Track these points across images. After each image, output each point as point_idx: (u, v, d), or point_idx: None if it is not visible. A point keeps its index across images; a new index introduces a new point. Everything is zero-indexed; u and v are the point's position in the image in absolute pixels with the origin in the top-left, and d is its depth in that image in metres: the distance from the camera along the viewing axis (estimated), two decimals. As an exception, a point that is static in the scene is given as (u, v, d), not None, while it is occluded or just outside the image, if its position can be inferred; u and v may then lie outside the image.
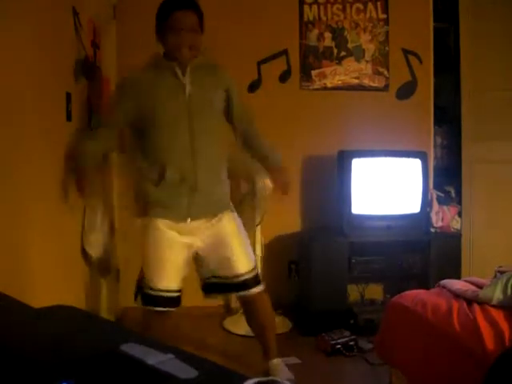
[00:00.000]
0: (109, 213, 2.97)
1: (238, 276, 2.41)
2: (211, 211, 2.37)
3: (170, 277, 2.32)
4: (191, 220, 2.32)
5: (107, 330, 1.06)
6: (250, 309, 2.57)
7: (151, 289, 2.32)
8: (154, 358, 0.77)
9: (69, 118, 2.43)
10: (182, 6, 2.23)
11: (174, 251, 2.32)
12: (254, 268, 2.47)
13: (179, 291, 2.36)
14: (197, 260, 2.45)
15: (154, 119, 2.27)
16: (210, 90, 2.33)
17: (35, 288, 1.99)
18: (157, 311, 2.34)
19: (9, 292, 1.22)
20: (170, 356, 0.79)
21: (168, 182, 2.28)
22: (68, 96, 2.41)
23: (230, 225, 2.42)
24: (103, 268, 2.87)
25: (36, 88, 2.04)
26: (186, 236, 2.34)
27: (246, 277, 2.42)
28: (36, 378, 0.74)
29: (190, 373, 0.75)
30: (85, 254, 2.67)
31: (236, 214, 2.49)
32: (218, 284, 2.46)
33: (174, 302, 2.35)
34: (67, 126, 2.44)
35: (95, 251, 2.71)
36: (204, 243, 2.38)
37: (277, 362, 2.59)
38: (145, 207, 2.35)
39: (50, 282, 2.18)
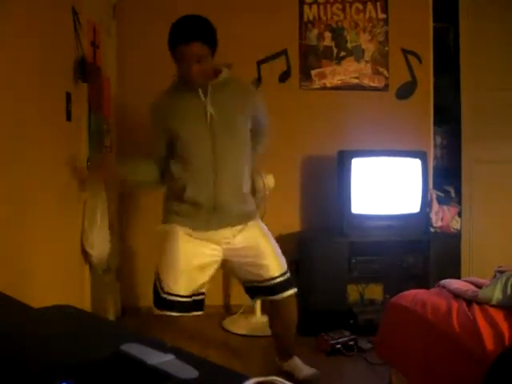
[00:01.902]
0: (109, 213, 2.97)
1: (271, 279, 2.41)
2: (233, 223, 2.38)
3: (185, 282, 2.31)
4: (215, 230, 2.34)
5: (107, 330, 1.06)
6: (278, 311, 2.56)
7: (167, 293, 2.31)
8: (155, 358, 0.77)
9: (69, 118, 2.43)
10: (185, 38, 2.19)
11: (193, 258, 2.32)
12: (287, 271, 2.47)
13: (200, 294, 2.36)
14: (225, 267, 2.46)
15: (177, 140, 2.31)
16: (234, 109, 2.32)
17: (35, 288, 1.99)
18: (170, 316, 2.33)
19: (9, 292, 1.22)
20: (171, 356, 0.79)
21: (187, 201, 2.31)
22: (68, 96, 2.41)
23: (256, 230, 2.43)
24: (104, 268, 2.87)
25: (36, 88, 2.04)
26: (208, 243, 2.34)
27: (280, 279, 2.43)
28: (36, 378, 0.74)
29: (190, 373, 0.75)
30: (85, 253, 2.67)
31: (261, 221, 2.51)
32: (254, 287, 2.47)
33: (192, 306, 2.35)
34: (67, 125, 2.44)
35: (95, 251, 2.70)
36: (229, 250, 2.38)
37: (297, 360, 2.62)
38: (167, 215, 2.39)
39: (50, 282, 2.18)
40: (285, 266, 2.47)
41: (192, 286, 2.32)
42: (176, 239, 2.33)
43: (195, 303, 2.35)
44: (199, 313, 2.38)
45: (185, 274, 2.31)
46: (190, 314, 2.36)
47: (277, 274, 2.42)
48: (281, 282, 2.43)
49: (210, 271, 2.38)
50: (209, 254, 2.36)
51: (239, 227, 2.38)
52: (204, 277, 2.36)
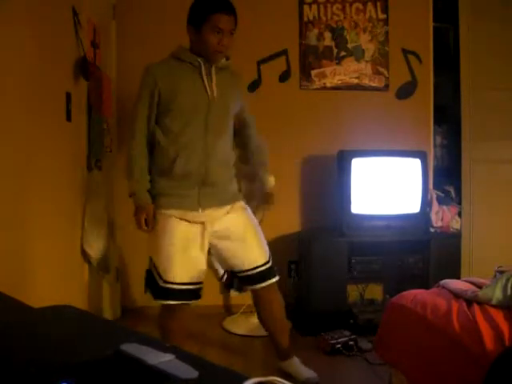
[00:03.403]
0: (108, 213, 2.97)
1: (254, 268, 2.41)
2: (223, 201, 2.37)
3: (182, 269, 2.29)
4: (202, 210, 2.32)
5: (107, 330, 1.06)
6: (264, 301, 2.54)
7: (164, 281, 2.28)
8: (155, 358, 0.77)
9: (69, 118, 2.43)
10: (227, 9, 2.24)
11: (187, 243, 2.30)
12: (269, 260, 2.47)
13: (197, 283, 2.33)
14: (213, 253, 2.45)
15: (171, 108, 2.27)
16: (230, 93, 2.38)
17: (35, 288, 1.99)
18: (170, 305, 2.31)
19: (9, 292, 1.22)
20: (171, 356, 0.79)
21: (177, 174, 2.28)
22: (68, 96, 2.41)
23: (243, 216, 2.43)
24: (103, 268, 2.87)
25: (36, 88, 2.04)
26: (198, 225, 2.32)
27: (263, 268, 2.42)
28: (36, 378, 0.74)
29: (190, 373, 0.75)
30: (85, 253, 2.67)
31: (245, 203, 2.49)
32: (240, 276, 2.47)
33: (189, 294, 2.32)
34: (67, 125, 2.44)
35: (95, 251, 2.71)
36: (218, 234, 2.37)
37: (294, 360, 2.61)
38: (158, 199, 2.32)
39: (50, 282, 2.19)
40: (268, 254, 2.47)
41: (189, 272, 2.30)
42: (168, 225, 2.29)
43: (192, 291, 2.32)
44: (197, 301, 2.36)
45: (180, 260, 2.28)
46: (188, 302, 2.34)
47: (261, 263, 2.42)
48: (263, 271, 2.43)
49: (204, 256, 2.36)
50: (199, 237, 2.32)
51: (228, 207, 2.38)
52: (199, 263, 2.33)
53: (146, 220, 2.32)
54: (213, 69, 2.30)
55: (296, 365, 2.60)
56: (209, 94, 2.29)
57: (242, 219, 2.43)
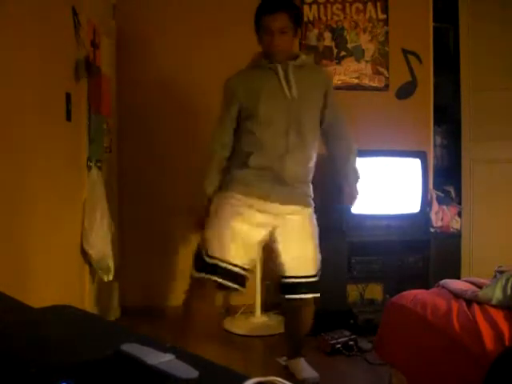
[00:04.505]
0: (109, 213, 2.97)
1: (301, 277, 2.39)
2: (293, 199, 2.37)
3: (233, 250, 2.27)
4: (271, 202, 2.32)
5: (107, 330, 1.06)
6: (296, 312, 2.55)
7: (211, 257, 2.26)
8: (155, 358, 0.77)
9: (69, 118, 2.43)
10: (271, 9, 2.27)
11: (245, 227, 2.30)
12: (317, 274, 2.45)
13: (243, 269, 2.30)
14: (269, 247, 2.42)
15: (253, 116, 2.30)
16: (311, 91, 2.37)
17: (35, 288, 1.99)
18: (208, 283, 2.27)
19: (9, 292, 1.22)
20: (171, 356, 0.79)
21: (252, 166, 2.30)
22: (68, 96, 2.41)
23: (309, 224, 2.43)
24: (103, 268, 2.87)
25: (36, 88, 2.04)
26: (263, 216, 2.32)
27: (309, 280, 2.41)
28: (36, 378, 0.74)
29: (190, 373, 0.75)
30: (84, 253, 2.67)
31: (313, 213, 2.48)
32: (286, 284, 2.43)
33: (234, 276, 2.28)
34: (67, 125, 2.44)
35: (95, 251, 2.70)
36: (281, 228, 2.35)
37: (300, 360, 2.62)
38: (229, 183, 2.35)
39: (50, 282, 2.19)
40: (317, 269, 2.45)
41: (239, 254, 2.28)
42: (231, 206, 2.30)
43: (239, 276, 2.30)
44: (241, 288, 2.32)
45: (233, 239, 2.27)
46: (232, 286, 2.29)
47: (308, 274, 2.41)
48: (308, 283, 2.41)
49: (258, 246, 2.36)
50: (260, 224, 2.32)
51: (296, 207, 2.38)
52: (252, 250, 2.33)
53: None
54: (290, 68, 2.31)
55: (300, 364, 2.61)
56: (287, 94, 2.29)
57: (305, 225, 2.42)
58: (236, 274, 2.29)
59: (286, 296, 2.45)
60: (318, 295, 2.47)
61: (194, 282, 2.35)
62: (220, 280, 2.27)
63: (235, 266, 2.28)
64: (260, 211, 2.32)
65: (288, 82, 2.30)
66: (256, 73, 2.36)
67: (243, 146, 2.35)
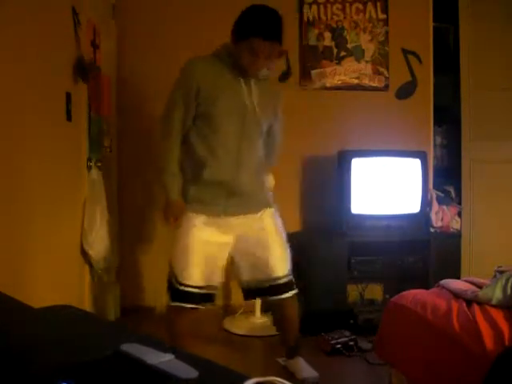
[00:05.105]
0: (108, 213, 2.97)
1: (274, 279, 2.40)
2: (251, 209, 2.38)
3: (200, 273, 2.29)
4: (227, 216, 2.32)
5: (107, 330, 1.06)
6: (280, 312, 2.57)
7: (180, 284, 2.29)
8: (155, 358, 0.77)
9: (69, 118, 2.43)
10: (266, 36, 2.19)
11: (208, 248, 2.30)
12: (290, 272, 2.46)
13: (214, 288, 2.35)
14: (233, 261, 2.45)
15: (208, 111, 2.24)
16: (268, 104, 2.37)
17: (35, 288, 1.99)
18: (183, 308, 2.32)
19: (9, 292, 1.22)
20: (170, 356, 0.79)
21: (206, 181, 2.29)
22: (68, 96, 2.41)
23: (269, 224, 2.42)
24: (103, 268, 2.87)
25: (36, 88, 2.04)
26: (223, 232, 2.33)
27: (282, 281, 2.42)
28: (36, 378, 0.74)
29: (190, 373, 0.75)
30: (84, 253, 2.67)
31: (275, 210, 2.48)
32: (254, 289, 2.46)
33: (208, 297, 2.33)
34: (67, 125, 2.44)
35: (95, 251, 2.70)
36: (241, 240, 2.37)
37: (299, 360, 2.62)
38: (185, 203, 2.34)
39: (50, 282, 2.18)
40: (289, 266, 2.47)
41: (205, 276, 2.31)
42: (190, 228, 2.30)
43: (207, 296, 2.33)
44: (211, 305, 2.38)
45: (197, 263, 2.29)
46: (202, 307, 2.34)
47: (281, 275, 2.42)
48: (285, 283, 2.43)
49: (222, 262, 2.37)
50: (221, 243, 2.34)
51: (255, 215, 2.38)
52: (217, 268, 2.34)
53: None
54: (252, 80, 2.30)
55: (299, 364, 2.61)
56: (247, 102, 2.28)
57: (269, 227, 2.42)
58: (210, 294, 2.35)
59: (271, 298, 2.48)
60: (297, 291, 2.48)
61: (171, 308, 2.39)
62: (196, 306, 2.32)
63: (207, 287, 2.32)
64: (220, 228, 2.32)
65: (249, 87, 2.29)
66: (221, 67, 2.27)
67: (196, 148, 2.29)
